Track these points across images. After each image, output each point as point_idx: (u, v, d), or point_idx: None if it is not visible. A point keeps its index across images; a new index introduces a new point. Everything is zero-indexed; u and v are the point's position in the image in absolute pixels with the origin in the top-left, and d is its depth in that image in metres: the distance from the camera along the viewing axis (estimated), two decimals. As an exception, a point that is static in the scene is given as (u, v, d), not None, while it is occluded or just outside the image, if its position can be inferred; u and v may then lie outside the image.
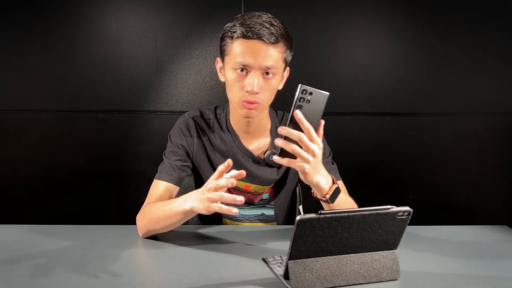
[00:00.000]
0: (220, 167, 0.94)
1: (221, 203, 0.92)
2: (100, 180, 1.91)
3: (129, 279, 0.87)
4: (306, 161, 0.93)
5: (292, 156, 0.93)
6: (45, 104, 1.86)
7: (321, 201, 1.04)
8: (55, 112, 1.87)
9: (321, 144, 0.94)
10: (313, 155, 0.93)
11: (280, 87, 1.18)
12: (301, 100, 0.90)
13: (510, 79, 1.88)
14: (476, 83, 1.88)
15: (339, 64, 1.87)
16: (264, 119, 1.24)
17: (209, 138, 1.24)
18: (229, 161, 0.95)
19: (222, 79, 1.19)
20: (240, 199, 0.89)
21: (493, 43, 1.86)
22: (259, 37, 1.06)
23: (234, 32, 1.09)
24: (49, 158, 1.89)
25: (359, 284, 0.85)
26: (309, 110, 0.91)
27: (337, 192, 1.01)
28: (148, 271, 0.94)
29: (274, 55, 1.09)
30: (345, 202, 1.08)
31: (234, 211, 0.89)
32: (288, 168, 1.25)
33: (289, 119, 0.91)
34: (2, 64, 1.84)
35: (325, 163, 1.22)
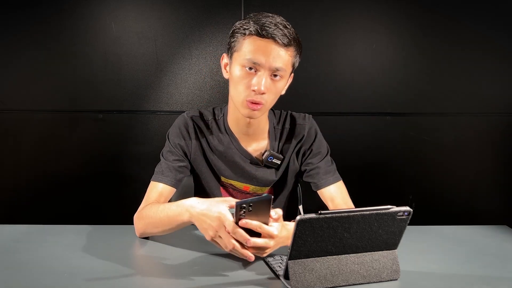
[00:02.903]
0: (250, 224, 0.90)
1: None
2: (100, 180, 1.91)
3: (129, 279, 0.87)
4: (267, 244, 0.91)
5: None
6: (45, 104, 1.86)
7: None
8: (55, 112, 1.87)
9: (275, 232, 0.91)
10: (272, 236, 0.91)
11: (283, 92, 1.16)
12: (242, 214, 0.87)
13: (510, 79, 1.88)
14: (476, 83, 1.88)
15: (339, 64, 1.87)
16: (263, 121, 1.23)
17: (207, 139, 1.22)
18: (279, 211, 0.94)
19: (226, 76, 1.16)
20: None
21: (493, 43, 1.86)
22: (272, 37, 1.04)
23: (247, 29, 1.06)
24: (49, 158, 1.89)
25: (359, 284, 0.85)
26: (254, 214, 0.87)
27: None
28: (148, 271, 0.94)
29: (284, 58, 1.07)
30: None
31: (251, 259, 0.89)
32: (287, 169, 1.25)
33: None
34: (2, 64, 1.84)
35: (324, 162, 1.22)
